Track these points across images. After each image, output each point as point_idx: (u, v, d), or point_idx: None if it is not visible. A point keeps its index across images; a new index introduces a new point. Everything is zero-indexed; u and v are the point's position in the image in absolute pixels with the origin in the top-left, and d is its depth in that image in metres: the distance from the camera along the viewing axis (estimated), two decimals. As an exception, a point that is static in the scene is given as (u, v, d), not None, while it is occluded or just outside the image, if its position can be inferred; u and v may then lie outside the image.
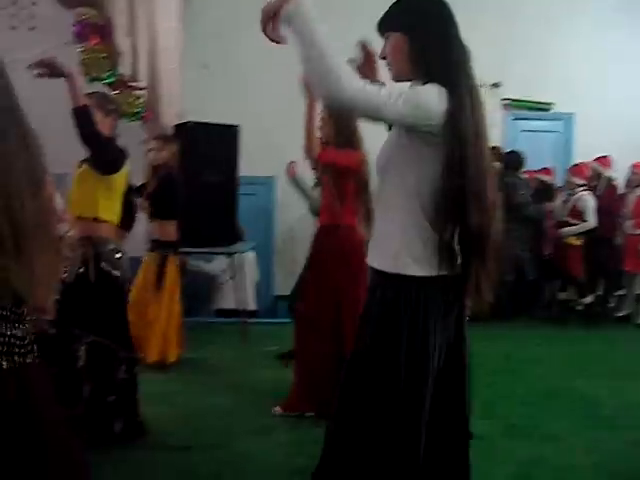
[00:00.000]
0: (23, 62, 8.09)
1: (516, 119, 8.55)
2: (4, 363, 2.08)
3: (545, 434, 3.95)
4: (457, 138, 1.94)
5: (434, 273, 2.00)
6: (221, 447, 3.69)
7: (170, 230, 5.33)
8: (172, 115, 7.03)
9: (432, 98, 1.93)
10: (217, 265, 7.29)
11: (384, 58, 2.13)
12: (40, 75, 3.28)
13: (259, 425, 4.00)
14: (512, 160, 7.51)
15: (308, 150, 4.05)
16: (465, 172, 1.95)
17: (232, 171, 6.24)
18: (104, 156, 3.55)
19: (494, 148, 7.74)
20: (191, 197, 6.02)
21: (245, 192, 6.62)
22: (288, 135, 4.85)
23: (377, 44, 2.23)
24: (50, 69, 3.26)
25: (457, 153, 1.95)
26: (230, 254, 6.41)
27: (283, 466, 3.44)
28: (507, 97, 8.35)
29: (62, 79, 3.29)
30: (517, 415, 4.29)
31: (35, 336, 2.28)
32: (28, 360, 2.16)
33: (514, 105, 8.46)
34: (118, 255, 3.70)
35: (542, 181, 7.81)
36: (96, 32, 5.95)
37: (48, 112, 7.10)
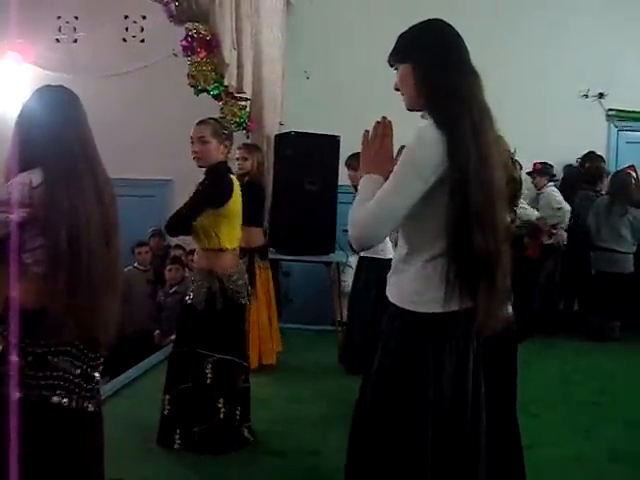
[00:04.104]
0: (134, 73, 8.40)
1: (621, 130, 8.29)
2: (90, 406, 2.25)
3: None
4: (458, 168, 1.93)
5: (445, 310, 1.99)
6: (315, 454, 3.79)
7: (256, 237, 5.44)
8: (275, 124, 7.17)
9: (426, 161, 1.94)
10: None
11: (397, 89, 2.17)
12: None
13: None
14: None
15: None
16: (468, 200, 1.93)
17: (332, 180, 6.31)
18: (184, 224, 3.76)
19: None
20: (292, 206, 6.10)
21: (344, 201, 6.67)
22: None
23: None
24: None
25: (458, 183, 1.93)
26: (327, 263, 6.46)
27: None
28: (612, 108, 8.11)
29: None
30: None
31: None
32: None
33: (620, 116, 8.19)
34: (241, 282, 3.86)
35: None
36: (203, 46, 6.14)
37: (157, 118, 7.40)
